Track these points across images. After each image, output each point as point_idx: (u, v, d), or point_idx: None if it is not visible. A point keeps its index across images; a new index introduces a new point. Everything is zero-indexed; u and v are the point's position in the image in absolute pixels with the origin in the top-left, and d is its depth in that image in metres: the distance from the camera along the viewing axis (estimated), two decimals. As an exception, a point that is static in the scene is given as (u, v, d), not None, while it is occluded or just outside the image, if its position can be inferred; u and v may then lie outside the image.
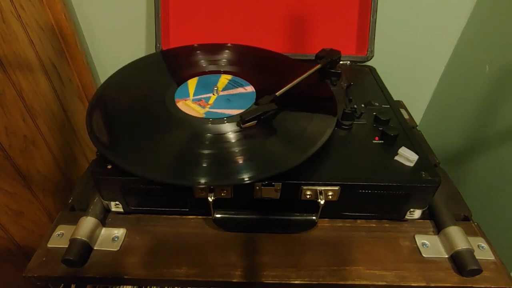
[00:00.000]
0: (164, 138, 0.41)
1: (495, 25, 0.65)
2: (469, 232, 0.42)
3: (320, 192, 0.39)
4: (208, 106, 0.45)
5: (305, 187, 0.39)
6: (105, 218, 0.43)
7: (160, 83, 0.49)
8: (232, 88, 0.48)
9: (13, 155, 0.57)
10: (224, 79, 0.50)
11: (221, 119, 0.43)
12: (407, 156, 0.41)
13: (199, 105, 0.45)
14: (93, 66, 0.83)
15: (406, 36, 0.76)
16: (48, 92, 0.68)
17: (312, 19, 0.66)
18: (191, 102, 0.46)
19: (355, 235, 0.42)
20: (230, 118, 0.43)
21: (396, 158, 0.42)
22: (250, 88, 0.46)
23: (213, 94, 0.47)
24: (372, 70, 0.63)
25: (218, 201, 0.40)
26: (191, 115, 0.43)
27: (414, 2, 0.72)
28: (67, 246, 0.38)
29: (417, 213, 0.43)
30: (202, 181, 0.36)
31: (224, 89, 0.48)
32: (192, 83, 0.50)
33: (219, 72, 0.52)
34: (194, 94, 0.47)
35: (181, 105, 0.45)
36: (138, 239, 0.41)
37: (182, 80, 0.50)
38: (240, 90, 0.46)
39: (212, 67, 0.54)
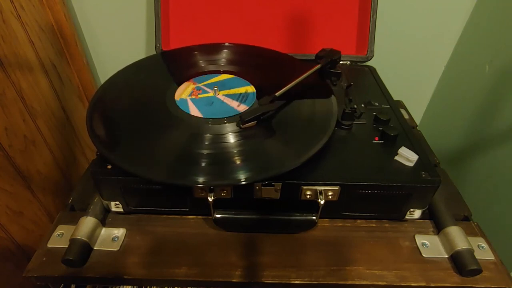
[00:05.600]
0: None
1: (495, 25, 0.65)
2: (469, 232, 0.42)
3: (320, 192, 0.39)
4: (193, 97, 0.46)
5: (305, 187, 0.39)
6: (105, 218, 0.43)
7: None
8: (233, 99, 0.47)
9: (13, 155, 0.57)
10: (244, 89, 0.49)
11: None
12: (407, 156, 0.41)
13: (192, 92, 0.47)
14: (93, 66, 0.83)
15: (406, 36, 0.76)
16: (48, 92, 0.68)
17: (312, 19, 0.66)
18: (193, 86, 0.48)
19: (355, 235, 0.42)
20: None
21: (396, 158, 0.42)
22: (242, 108, 0.45)
23: (211, 92, 0.48)
24: (372, 70, 0.63)
25: (218, 201, 0.40)
26: (176, 101, 0.46)
27: (414, 2, 0.72)
28: (67, 246, 0.38)
29: (417, 213, 0.43)
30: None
31: (227, 95, 0.47)
32: (222, 77, 0.51)
33: (243, 78, 0.51)
34: (206, 85, 0.49)
35: (185, 84, 0.49)
36: (138, 239, 0.41)
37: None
38: (234, 104, 0.46)
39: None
